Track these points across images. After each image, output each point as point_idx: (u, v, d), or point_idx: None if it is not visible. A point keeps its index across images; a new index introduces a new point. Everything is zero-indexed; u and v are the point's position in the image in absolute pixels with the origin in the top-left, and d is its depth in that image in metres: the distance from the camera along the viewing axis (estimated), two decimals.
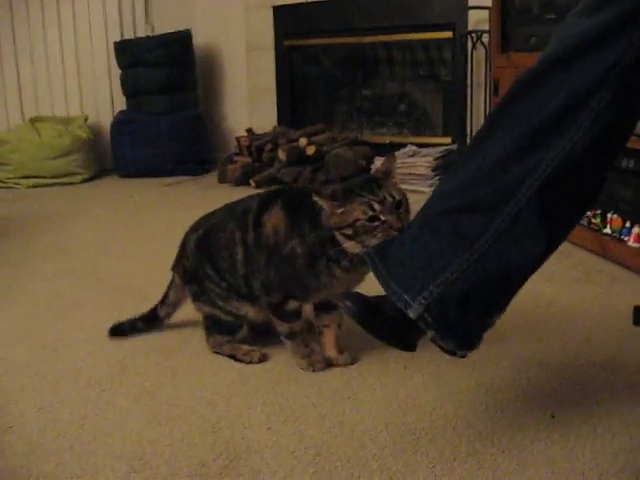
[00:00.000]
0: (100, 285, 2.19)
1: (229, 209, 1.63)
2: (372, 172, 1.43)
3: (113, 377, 1.52)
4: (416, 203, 1.27)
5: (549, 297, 1.95)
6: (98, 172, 4.52)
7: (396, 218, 1.31)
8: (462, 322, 1.08)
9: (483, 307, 1.09)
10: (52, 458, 1.20)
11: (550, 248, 1.08)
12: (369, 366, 1.53)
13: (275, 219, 1.49)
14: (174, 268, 1.71)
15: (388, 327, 1.14)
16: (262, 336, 1.63)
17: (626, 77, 0.98)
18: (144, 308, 1.77)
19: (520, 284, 1.10)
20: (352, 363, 1.54)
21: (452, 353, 1.12)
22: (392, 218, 1.31)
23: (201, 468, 1.16)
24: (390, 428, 1.26)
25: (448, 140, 4.00)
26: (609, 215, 2.32)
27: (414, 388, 1.42)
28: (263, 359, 1.57)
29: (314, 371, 1.50)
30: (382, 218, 1.31)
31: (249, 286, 1.55)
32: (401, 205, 1.35)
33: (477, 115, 3.78)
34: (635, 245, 2.16)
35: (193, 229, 1.68)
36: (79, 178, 4.34)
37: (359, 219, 1.32)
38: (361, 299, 1.17)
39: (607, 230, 2.32)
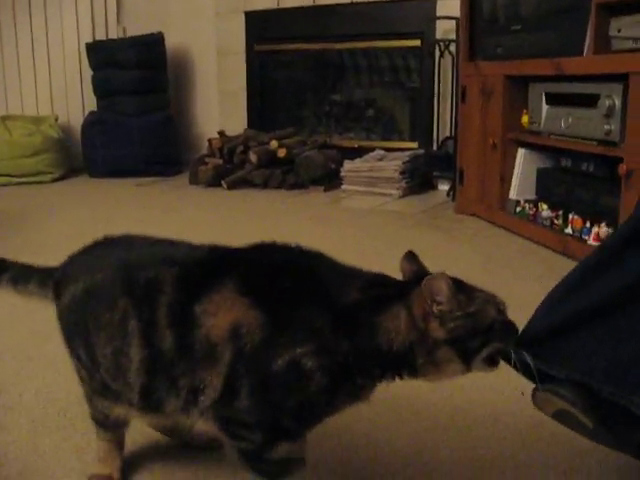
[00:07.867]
0: None
1: (124, 265, 0.98)
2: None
3: None
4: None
5: (518, 293, 2.05)
6: (68, 172, 4.53)
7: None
8: None
9: None
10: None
11: None
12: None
13: (233, 311, 0.89)
14: None
15: None
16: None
17: None
18: None
19: None
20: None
21: None
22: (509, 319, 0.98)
23: None
24: None
25: (415, 145, 4.13)
26: (570, 215, 2.46)
27: None
28: None
29: None
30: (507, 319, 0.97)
31: (151, 399, 0.96)
32: None
33: (443, 121, 3.91)
34: (595, 244, 2.30)
35: (71, 277, 1.04)
36: (49, 177, 4.35)
37: (495, 320, 0.93)
38: None
39: (568, 230, 2.46)
